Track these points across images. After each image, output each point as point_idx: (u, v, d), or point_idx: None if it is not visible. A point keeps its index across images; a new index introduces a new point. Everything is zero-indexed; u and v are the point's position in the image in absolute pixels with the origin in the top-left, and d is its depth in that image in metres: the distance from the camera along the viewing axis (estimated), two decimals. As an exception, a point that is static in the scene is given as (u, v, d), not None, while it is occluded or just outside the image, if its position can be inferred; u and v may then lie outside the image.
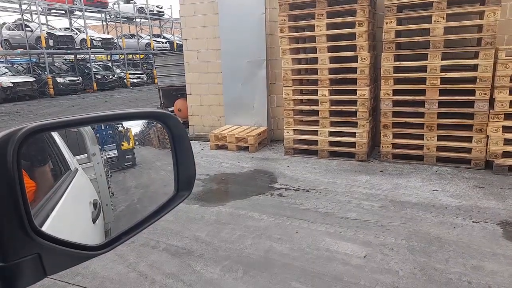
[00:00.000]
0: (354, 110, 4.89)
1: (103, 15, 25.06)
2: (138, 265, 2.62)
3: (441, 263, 2.51)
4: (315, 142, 5.21)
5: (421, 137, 4.62)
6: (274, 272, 2.48)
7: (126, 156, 1.29)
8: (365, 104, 4.81)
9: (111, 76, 22.56)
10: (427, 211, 3.33)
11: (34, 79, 18.27)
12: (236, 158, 5.40)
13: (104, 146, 1.29)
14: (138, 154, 1.29)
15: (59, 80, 19.55)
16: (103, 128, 1.26)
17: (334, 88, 4.96)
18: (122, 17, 24.79)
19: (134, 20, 26.64)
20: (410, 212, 3.32)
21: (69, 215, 1.03)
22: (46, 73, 18.99)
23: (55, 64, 22.82)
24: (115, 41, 23.81)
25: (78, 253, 0.58)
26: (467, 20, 4.19)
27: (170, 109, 7.49)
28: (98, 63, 25.27)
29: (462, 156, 4.46)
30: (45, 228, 0.70)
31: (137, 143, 1.22)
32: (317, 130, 5.16)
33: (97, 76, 21.71)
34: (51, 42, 19.23)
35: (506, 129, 4.19)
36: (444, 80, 4.41)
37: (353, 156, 5.01)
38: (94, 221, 1.12)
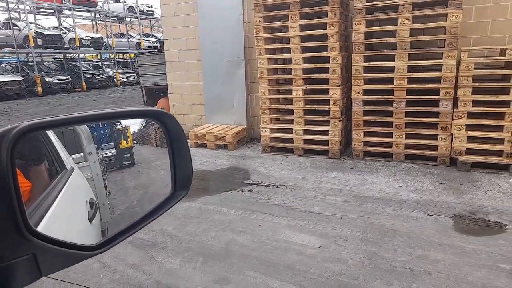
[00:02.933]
0: (327, 109, 5.04)
1: (93, 14, 24.98)
2: (103, 256, 2.73)
3: (389, 252, 2.66)
4: (291, 140, 5.35)
5: (390, 135, 4.78)
6: (231, 262, 2.61)
7: (125, 155, 1.26)
8: (337, 103, 4.95)
9: (100, 76, 22.53)
10: (387, 205, 3.49)
11: (22, 78, 18.20)
12: (214, 156, 5.51)
13: (102, 145, 1.28)
14: (136, 153, 1.26)
15: (48, 79, 19.47)
16: (100, 126, 1.25)
17: (308, 88, 5.11)
18: (112, 16, 24.76)
19: (124, 19, 26.60)
20: (371, 206, 3.47)
21: (64, 215, 1.01)
22: (34, 72, 18.92)
23: (44, 63, 22.71)
24: (105, 40, 23.77)
25: (73, 253, 0.57)
26: (432, 22, 4.34)
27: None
28: (88, 62, 25.22)
29: (428, 153, 4.63)
30: (40, 228, 0.69)
31: (135, 142, 1.20)
32: (292, 129, 5.30)
33: (86, 75, 21.66)
34: (39, 41, 19.14)
35: (469, 127, 4.35)
36: (411, 80, 4.58)
37: (327, 154, 5.16)
38: (90, 220, 1.11)
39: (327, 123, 5.10)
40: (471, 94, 4.26)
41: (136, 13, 26.03)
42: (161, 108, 7.59)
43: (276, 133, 5.48)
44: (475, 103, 4.29)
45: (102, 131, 1.27)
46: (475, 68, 4.26)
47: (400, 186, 3.97)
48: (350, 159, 5.05)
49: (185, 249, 2.80)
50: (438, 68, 4.37)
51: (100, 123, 1.18)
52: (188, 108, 6.87)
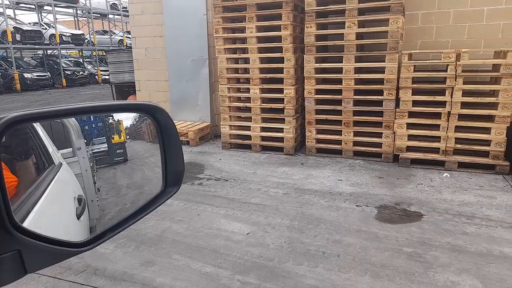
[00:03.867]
0: (282, 107, 5.26)
1: (75, 10, 24.77)
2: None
3: (309, 238, 2.89)
4: (249, 137, 5.57)
5: (339, 133, 5.03)
6: (161, 247, 2.80)
7: (117, 151, 1.22)
8: (291, 102, 5.19)
9: (81, 72, 22.40)
10: (322, 197, 3.73)
11: (0, 73, 18.02)
12: (175, 152, 5.68)
13: (93, 139, 1.23)
14: (129, 148, 1.21)
15: (26, 75, 19.29)
16: (92, 119, 1.21)
17: (264, 87, 5.33)
18: (94, 13, 24.59)
19: (107, 16, 26.44)
20: (307, 198, 3.71)
21: (51, 211, 0.99)
22: (12, 68, 18.72)
23: (24, 59, 22.48)
24: (86, 37, 23.61)
25: (60, 250, 0.56)
26: (376, 27, 4.60)
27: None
28: (70, 59, 25.01)
29: (374, 150, 4.89)
30: (26, 224, 0.67)
31: (128, 137, 1.16)
32: (250, 126, 5.52)
33: (66, 72, 21.52)
34: (18, 37, 18.95)
35: (409, 126, 4.63)
36: (358, 81, 4.84)
37: (282, 150, 5.39)
38: (78, 217, 1.08)
39: (282, 121, 5.32)
40: (412, 95, 4.54)
41: (119, 10, 25.92)
42: (131, 105, 7.72)
43: (235, 130, 5.68)
44: (416, 103, 4.57)
45: (93, 125, 1.23)
46: (416, 70, 4.54)
47: (341, 180, 4.22)
48: (304, 155, 5.29)
49: (121, 236, 2.98)
50: (382, 70, 4.64)
51: (91, 116, 1.14)
52: (155, 105, 7.01)
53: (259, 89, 5.34)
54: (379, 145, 4.86)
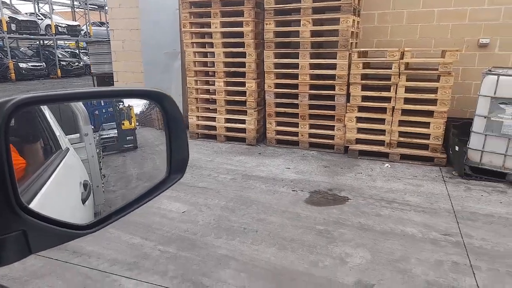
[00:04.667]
0: (244, 100, 5.55)
1: (71, 1, 24.95)
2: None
3: (237, 216, 3.20)
4: (215, 128, 5.86)
5: (296, 125, 5.32)
6: (102, 221, 3.11)
7: (127, 137, 1.21)
8: (253, 95, 5.47)
9: (76, 63, 22.66)
10: (265, 182, 4.03)
11: (-5, 62, 18.30)
12: (144, 140, 5.98)
13: (103, 125, 1.22)
14: (139, 135, 1.20)
15: (22, 65, 19.56)
16: (102, 104, 1.21)
17: (228, 80, 5.61)
18: (91, 5, 24.79)
19: (104, 8, 26.61)
20: (251, 183, 4.01)
21: (58, 194, 1.00)
22: (8, 57, 18.99)
23: (21, 49, 22.73)
24: (83, 28, 23.83)
25: (65, 232, 0.57)
26: (329, 26, 4.87)
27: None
28: (66, 49, 25.25)
29: (328, 142, 5.19)
30: (33, 206, 0.67)
31: (138, 124, 1.15)
32: (215, 117, 5.81)
33: (62, 62, 21.78)
34: (13, 27, 19.20)
35: (359, 119, 4.92)
36: (314, 77, 5.11)
37: (245, 141, 5.68)
38: (84, 201, 1.09)
39: (245, 113, 5.61)
40: (361, 90, 4.82)
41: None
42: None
43: (202, 120, 5.97)
44: (365, 98, 4.85)
45: (104, 110, 1.22)
46: (370, 68, 4.82)
47: (289, 168, 4.52)
48: (264, 146, 5.58)
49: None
50: (335, 67, 4.91)
51: (102, 101, 1.14)
52: (132, 96, 7.30)
53: (223, 82, 5.62)
54: (331, 137, 5.15)
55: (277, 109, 5.42)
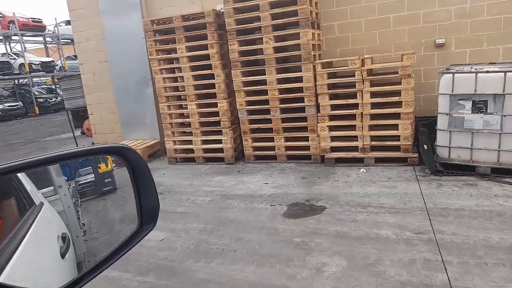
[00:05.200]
0: (218, 120, 5.61)
1: (43, 38, 24.90)
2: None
3: (216, 238, 3.21)
4: (192, 151, 5.89)
5: (272, 140, 5.40)
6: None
7: (105, 180, 1.17)
8: (226, 115, 5.54)
9: (53, 99, 22.47)
10: (243, 200, 4.06)
11: (-31, 106, 18.02)
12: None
13: (79, 171, 1.25)
14: (117, 175, 1.16)
15: (-2, 106, 19.34)
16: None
17: (199, 102, 5.67)
18: (63, 39, 24.76)
19: (77, 41, 26.60)
20: (229, 203, 4.03)
21: (34, 253, 0.97)
22: (-18, 100, 18.74)
23: (-5, 90, 22.46)
24: (57, 63, 23.75)
25: None
26: (290, 41, 5.01)
27: (79, 130, 7.97)
28: (43, 86, 25.05)
29: (304, 153, 5.26)
30: (2, 278, 0.66)
31: (115, 165, 1.18)
32: (192, 140, 5.84)
33: (39, 99, 21.58)
34: (-15, 69, 19.02)
35: (331, 128, 5.02)
36: (283, 91, 5.22)
37: (223, 160, 5.72)
38: (63, 255, 1.08)
39: (220, 133, 5.66)
40: (329, 99, 4.94)
41: (88, 34, 26.11)
42: (87, 129, 7.98)
43: (180, 144, 6.00)
44: (334, 107, 4.97)
45: None
46: (336, 77, 4.96)
47: (267, 183, 4.56)
48: (244, 163, 5.62)
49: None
50: (301, 79, 5.03)
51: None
52: (108, 127, 7.30)
53: (195, 105, 5.68)
54: (307, 148, 5.23)
55: (251, 125, 5.49)
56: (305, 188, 4.25)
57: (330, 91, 4.91)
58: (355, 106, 4.83)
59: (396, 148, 4.75)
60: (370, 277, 2.42)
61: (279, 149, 5.38)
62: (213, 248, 3.04)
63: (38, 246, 1.05)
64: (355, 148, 4.93)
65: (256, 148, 5.58)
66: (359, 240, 2.93)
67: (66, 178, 1.25)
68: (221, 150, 5.70)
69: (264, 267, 2.68)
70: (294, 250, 2.87)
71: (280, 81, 5.16)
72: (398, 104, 4.62)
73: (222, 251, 2.97)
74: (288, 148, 5.36)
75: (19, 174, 1.12)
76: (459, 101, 3.93)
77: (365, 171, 4.63)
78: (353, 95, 4.83)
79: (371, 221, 3.23)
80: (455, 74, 3.90)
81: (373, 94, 4.72)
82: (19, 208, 1.06)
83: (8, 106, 19.95)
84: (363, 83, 4.68)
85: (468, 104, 3.87)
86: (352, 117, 4.88)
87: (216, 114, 5.64)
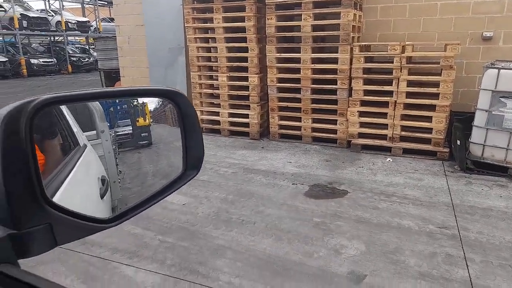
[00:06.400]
0: (247, 94, 5.59)
1: (81, -3, 25.20)
2: None
3: (236, 209, 3.26)
4: (219, 122, 5.92)
5: (299, 119, 5.35)
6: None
7: (142, 134, 1.23)
8: (255, 90, 5.51)
9: (86, 59, 22.92)
10: (266, 176, 4.08)
11: (7, 59, 18.62)
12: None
13: (118, 121, 1.24)
14: (153, 132, 1.21)
15: (33, 61, 19.88)
16: (117, 102, 1.22)
17: (230, 75, 5.65)
18: (100, 1, 25.00)
19: (113, 4, 26.78)
20: (252, 177, 4.06)
21: (78, 189, 1.02)
22: (19, 54, 19.31)
23: (32, 46, 23.07)
24: (92, 24, 24.07)
25: (87, 225, 0.59)
26: (330, 20, 4.87)
27: (110, 90, 8.13)
28: (76, 45, 25.55)
29: (330, 136, 5.21)
30: (55, 200, 0.69)
31: (152, 120, 1.16)
32: (219, 111, 5.87)
33: (72, 58, 22.07)
34: (24, 23, 19.49)
35: (361, 114, 4.93)
36: (315, 71, 5.12)
37: (248, 135, 5.73)
38: (102, 196, 1.12)
39: (248, 107, 5.65)
40: (363, 84, 4.82)
41: (124, -2, 26.22)
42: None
43: (207, 115, 6.04)
44: (367, 92, 4.85)
45: (118, 107, 1.24)
46: (367, 62, 4.82)
47: (290, 162, 4.56)
48: (268, 140, 5.62)
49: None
50: (336, 61, 4.92)
51: (117, 100, 1.17)
52: (138, 91, 7.40)
53: (226, 77, 5.66)
54: (334, 131, 5.16)
55: (280, 103, 5.45)
56: (328, 171, 4.22)
57: (365, 75, 4.79)
58: (389, 93, 4.70)
59: (427, 141, 4.63)
60: (388, 264, 2.41)
61: (305, 129, 5.33)
62: (233, 217, 3.09)
63: (82, 183, 1.09)
64: (383, 136, 4.84)
65: (282, 126, 5.55)
66: (380, 227, 2.91)
67: (108, 124, 1.23)
68: (247, 124, 5.70)
69: (282, 241, 2.71)
70: (313, 229, 2.89)
71: (314, 60, 5.06)
72: (435, 96, 4.46)
73: (242, 222, 3.02)
74: (314, 129, 5.31)
75: (67, 115, 1.16)
76: (501, 99, 3.75)
77: (391, 160, 4.55)
78: (389, 82, 4.69)
79: (394, 211, 3.19)
80: (501, 70, 3.71)
81: (410, 83, 4.57)
82: (65, 147, 1.10)
83: (43, 61, 20.47)
84: (400, 71, 4.53)
85: (510, 103, 3.70)
86: (385, 104, 4.76)
87: (245, 88, 5.62)
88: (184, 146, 0.80)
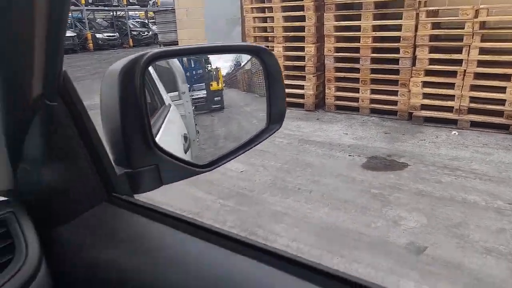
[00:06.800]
0: (303, 65, 5.51)
1: (140, -28, 25.86)
2: None
3: (292, 177, 3.31)
4: (274, 93, 5.93)
5: (357, 90, 5.19)
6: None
7: (215, 98, 1.26)
8: (312, 60, 5.41)
9: (146, 33, 23.79)
10: (321, 147, 4.07)
11: (75, 34, 19.91)
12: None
13: (194, 85, 1.29)
14: (225, 96, 1.24)
15: (98, 35, 21.04)
16: (193, 66, 1.28)
17: (286, 45, 5.58)
18: (158, -25, 25.49)
19: (169, -23, 27.22)
20: (307, 147, 4.08)
21: (169, 142, 1.11)
22: (86, 28, 20.54)
23: (97, 21, 24.38)
24: (151, -2, 24.76)
25: (188, 169, 0.64)
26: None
27: (169, 62, 8.43)
28: (136, 19, 26.54)
29: (390, 108, 5.01)
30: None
31: (224, 85, 1.21)
32: (274, 83, 5.86)
33: (133, 32, 23.02)
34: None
35: (425, 84, 4.66)
36: (378, 39, 4.89)
37: (303, 107, 5.69)
38: (185, 152, 1.21)
39: (304, 78, 5.59)
40: (428, 53, 4.53)
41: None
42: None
43: (262, 86, 6.06)
44: (432, 61, 4.56)
45: (194, 72, 1.25)
46: (434, 28, 4.49)
47: (347, 134, 4.49)
48: (323, 111, 5.55)
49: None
50: (399, 28, 4.64)
51: (192, 63, 1.22)
52: (195, 63, 7.60)
53: (282, 47, 5.61)
54: (394, 103, 4.95)
55: (337, 74, 5.31)
56: (387, 143, 4.10)
57: (432, 43, 4.48)
58: (458, 62, 4.37)
59: (498, 113, 4.28)
60: (451, 238, 2.34)
61: (363, 100, 5.17)
62: (289, 186, 3.16)
63: (170, 136, 1.15)
64: (449, 108, 4.55)
65: (338, 98, 5.43)
66: (443, 201, 2.81)
67: (189, 86, 1.34)
68: (302, 96, 5.65)
69: (339, 210, 2.73)
70: (371, 200, 2.87)
71: (375, 28, 4.82)
72: (511, 64, 4.07)
73: (298, 190, 3.07)
74: (373, 101, 5.13)
75: (154, 76, 1.21)
76: None
77: (457, 133, 4.29)
78: (458, 50, 4.35)
79: (458, 185, 3.05)
80: None
81: (482, 51, 4.20)
82: (154, 105, 1.16)
83: (107, 36, 21.57)
84: (472, 37, 4.18)
85: None
86: (452, 74, 4.45)
87: (301, 58, 5.53)
88: (268, 100, 0.82)
